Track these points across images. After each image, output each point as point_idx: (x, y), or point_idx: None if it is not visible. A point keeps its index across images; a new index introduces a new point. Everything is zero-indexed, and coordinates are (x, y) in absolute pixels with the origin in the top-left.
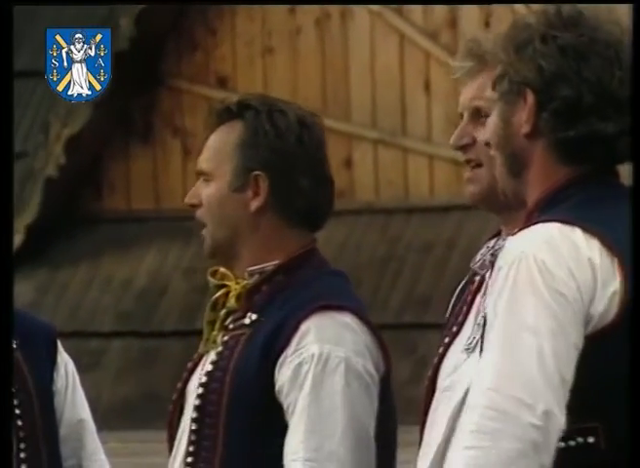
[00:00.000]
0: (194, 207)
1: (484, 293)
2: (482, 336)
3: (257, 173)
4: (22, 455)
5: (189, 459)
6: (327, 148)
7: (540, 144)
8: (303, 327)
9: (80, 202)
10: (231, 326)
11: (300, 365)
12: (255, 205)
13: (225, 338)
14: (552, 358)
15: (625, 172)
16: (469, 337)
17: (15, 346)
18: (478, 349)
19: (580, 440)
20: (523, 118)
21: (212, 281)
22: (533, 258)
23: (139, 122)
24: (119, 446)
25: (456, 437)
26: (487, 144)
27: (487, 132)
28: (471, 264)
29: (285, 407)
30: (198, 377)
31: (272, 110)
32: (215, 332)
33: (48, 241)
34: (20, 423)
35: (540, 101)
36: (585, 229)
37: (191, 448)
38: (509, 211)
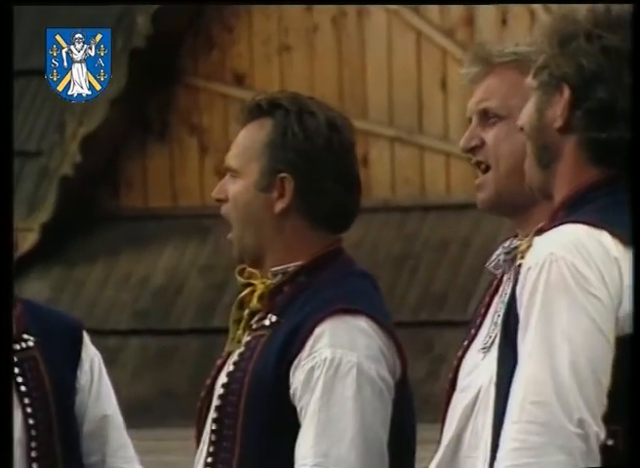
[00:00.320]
0: (220, 201)
1: (500, 294)
2: (506, 333)
3: (283, 174)
4: (34, 454)
5: (209, 459)
6: (356, 150)
7: (572, 141)
8: (318, 330)
9: (97, 200)
10: (254, 326)
11: (312, 369)
12: (279, 206)
13: (248, 338)
14: (587, 364)
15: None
16: (486, 337)
17: (32, 344)
18: (494, 348)
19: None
20: (557, 112)
21: (239, 279)
22: (563, 261)
23: (155, 120)
24: (135, 443)
25: (499, 457)
26: (521, 129)
27: (522, 118)
28: (487, 265)
29: (298, 410)
30: (225, 374)
31: (302, 111)
32: (239, 332)
33: (64, 239)
34: (31, 422)
35: (575, 99)
36: (613, 233)
37: (211, 449)
38: (521, 213)
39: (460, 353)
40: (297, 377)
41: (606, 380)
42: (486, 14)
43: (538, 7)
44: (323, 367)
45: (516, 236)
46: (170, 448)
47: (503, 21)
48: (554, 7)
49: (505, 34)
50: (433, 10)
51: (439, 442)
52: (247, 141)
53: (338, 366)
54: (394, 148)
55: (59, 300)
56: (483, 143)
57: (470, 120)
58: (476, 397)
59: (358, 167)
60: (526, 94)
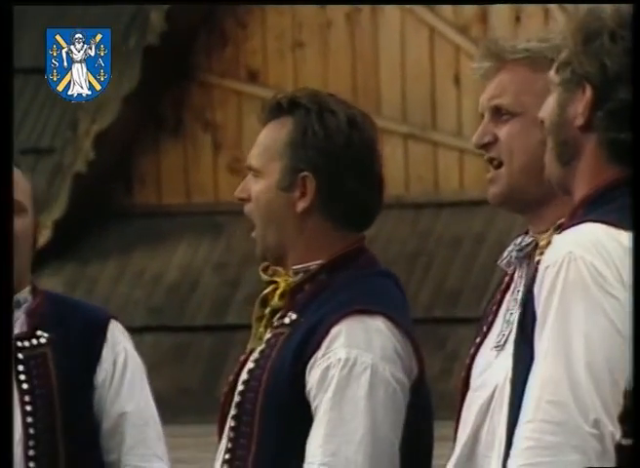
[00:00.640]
0: (243, 201)
1: (512, 291)
2: (522, 331)
3: (304, 174)
4: (31, 453)
5: (227, 456)
6: (378, 147)
7: (593, 139)
8: (334, 330)
9: (110, 197)
10: (275, 323)
11: (327, 368)
12: (301, 206)
13: (268, 336)
14: (604, 364)
15: None
16: (499, 334)
17: (44, 341)
18: (508, 346)
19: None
20: (579, 110)
21: (263, 276)
22: (582, 261)
23: (169, 117)
24: None
25: (512, 456)
26: (542, 122)
27: (543, 111)
28: (498, 262)
29: (313, 408)
30: (246, 371)
31: (322, 109)
32: (261, 329)
33: (77, 236)
34: (30, 420)
35: (597, 98)
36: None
37: (229, 446)
38: (533, 210)
39: (472, 351)
40: (312, 376)
41: (623, 380)
42: (500, 11)
43: (552, 5)
44: (337, 366)
45: (527, 233)
46: (183, 445)
47: (517, 19)
48: (570, 6)
49: (519, 31)
50: (447, 6)
51: (454, 439)
52: (268, 141)
53: (352, 366)
54: (408, 145)
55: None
56: (496, 140)
57: (482, 116)
58: (491, 395)
59: (380, 164)
60: (538, 91)
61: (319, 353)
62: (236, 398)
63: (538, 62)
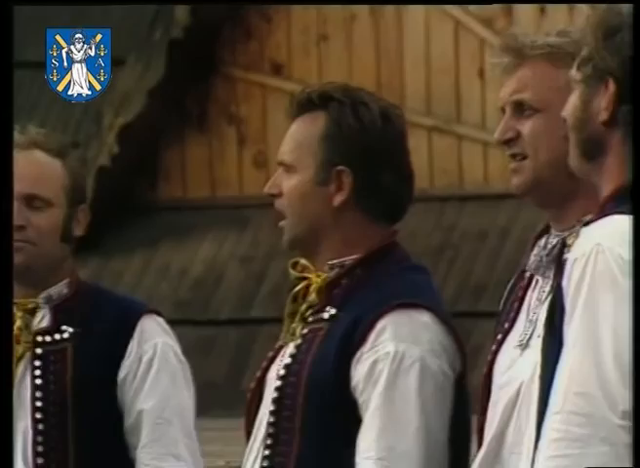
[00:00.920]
0: (274, 197)
1: (536, 290)
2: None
3: (340, 168)
4: (40, 449)
5: (267, 452)
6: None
7: (618, 134)
8: (380, 324)
9: (135, 191)
10: (310, 319)
11: (375, 362)
12: (338, 200)
13: (304, 331)
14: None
15: None
16: (522, 334)
17: (67, 336)
18: (531, 344)
19: None
20: (602, 105)
21: (292, 273)
22: (609, 252)
23: (193, 110)
24: None
25: (540, 447)
26: (564, 121)
27: (566, 110)
28: (527, 267)
29: (360, 403)
30: (277, 369)
31: (356, 103)
32: (294, 325)
33: (101, 230)
34: (39, 416)
35: (620, 92)
36: None
37: (269, 441)
38: (557, 205)
39: (494, 347)
40: (358, 371)
41: None
42: (525, 4)
43: None
44: (386, 360)
45: (548, 232)
46: (209, 438)
47: (542, 11)
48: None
49: (544, 24)
50: None
51: (478, 432)
52: (300, 136)
53: (401, 360)
54: (432, 138)
55: None
56: (518, 135)
57: (503, 110)
58: (517, 393)
59: (410, 157)
60: (561, 86)
61: (365, 347)
62: (274, 394)
63: (558, 58)
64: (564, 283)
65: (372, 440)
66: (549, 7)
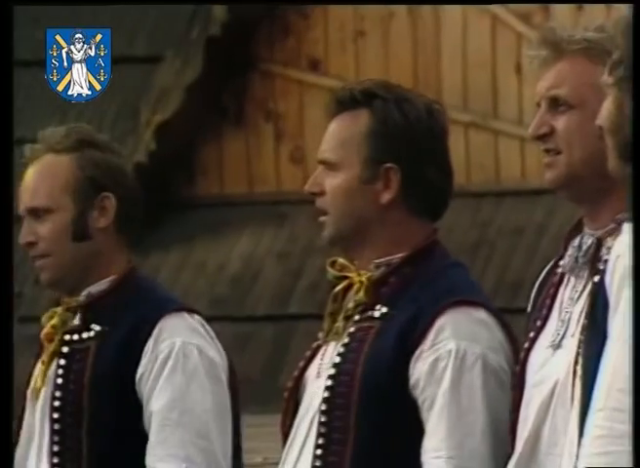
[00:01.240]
0: (315, 195)
1: (568, 288)
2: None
3: (388, 165)
4: (56, 448)
5: (319, 451)
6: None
7: None
8: (439, 322)
9: (172, 187)
10: (357, 317)
11: (436, 360)
12: (385, 198)
13: (352, 330)
14: None
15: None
16: (554, 334)
17: (93, 334)
18: (564, 343)
19: None
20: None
21: (331, 272)
22: None
23: (231, 107)
24: None
25: (583, 444)
26: (600, 128)
27: (601, 117)
28: (562, 269)
29: (420, 402)
30: (317, 367)
31: (400, 99)
32: (338, 324)
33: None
34: (56, 416)
35: None
36: None
37: (321, 441)
38: (591, 201)
39: (527, 345)
40: (418, 369)
41: None
42: None
43: None
44: (448, 359)
45: (580, 230)
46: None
47: (579, 6)
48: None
49: (581, 20)
50: None
51: (510, 431)
52: (344, 134)
53: (463, 357)
54: (469, 133)
55: None
56: (553, 131)
57: (538, 105)
58: (552, 392)
59: (450, 152)
60: (597, 84)
61: (424, 345)
62: (324, 393)
63: (595, 53)
64: (607, 279)
65: (440, 439)
66: (587, 3)
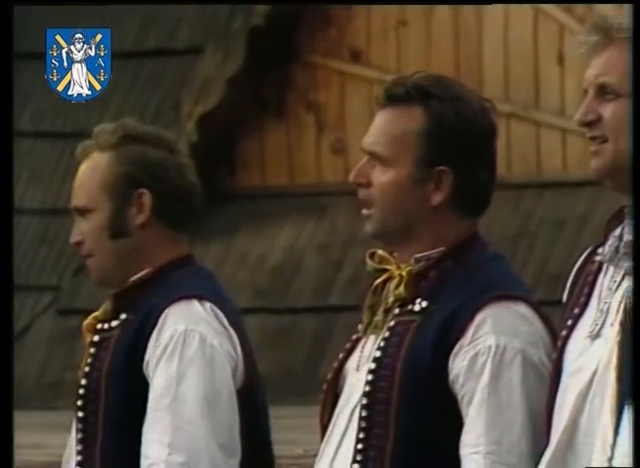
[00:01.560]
0: (359, 186)
1: (607, 277)
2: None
3: (441, 168)
4: (79, 436)
5: (360, 446)
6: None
7: None
8: (479, 317)
9: (214, 179)
10: (396, 311)
11: (475, 356)
12: (436, 199)
13: (392, 324)
14: None
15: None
16: (592, 323)
17: (117, 323)
18: (603, 333)
19: None
20: None
21: (370, 264)
22: None
23: (272, 98)
24: None
25: (618, 443)
26: None
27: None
28: (601, 258)
29: (459, 397)
30: (357, 360)
31: (455, 98)
32: (377, 317)
33: None
34: (79, 403)
35: None
36: None
37: (361, 435)
38: None
39: (564, 333)
40: (457, 364)
41: None
42: None
43: None
44: (488, 354)
45: (621, 218)
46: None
47: None
48: None
49: (624, 11)
50: None
51: (547, 420)
52: (397, 130)
53: (503, 353)
54: (510, 124)
55: None
56: (599, 118)
57: (586, 91)
58: (590, 381)
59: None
60: None
61: (464, 340)
62: (365, 388)
63: None
64: None
65: (479, 434)
66: None
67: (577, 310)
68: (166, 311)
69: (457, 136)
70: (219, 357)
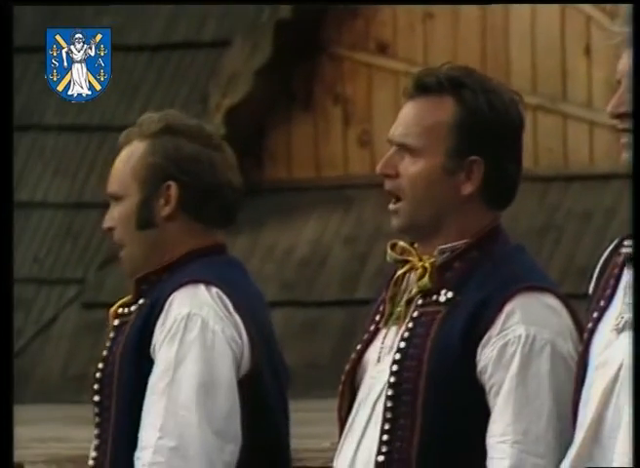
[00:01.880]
0: (387, 177)
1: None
2: None
3: (473, 158)
4: (97, 420)
5: (385, 437)
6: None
7: None
8: (508, 307)
9: (241, 171)
10: (420, 302)
11: (505, 346)
12: (467, 190)
13: (415, 314)
14: None
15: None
16: (618, 317)
17: (133, 308)
18: (628, 327)
19: None
20: None
21: (392, 255)
22: None
23: (299, 90)
24: None
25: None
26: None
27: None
28: (627, 251)
29: (487, 387)
30: (378, 351)
31: (486, 90)
32: (399, 308)
33: None
34: (96, 387)
35: None
36: None
37: (387, 426)
38: None
39: (590, 325)
40: (485, 354)
41: None
42: None
43: None
44: (517, 344)
45: None
46: (314, 420)
47: None
48: None
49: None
50: None
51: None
52: (428, 121)
53: (532, 343)
54: (537, 117)
55: None
56: None
57: (619, 82)
58: (616, 375)
59: None
60: None
61: (493, 330)
62: (390, 378)
63: None
64: None
65: (507, 423)
66: None
67: (602, 303)
68: (172, 295)
69: (488, 126)
70: (220, 343)
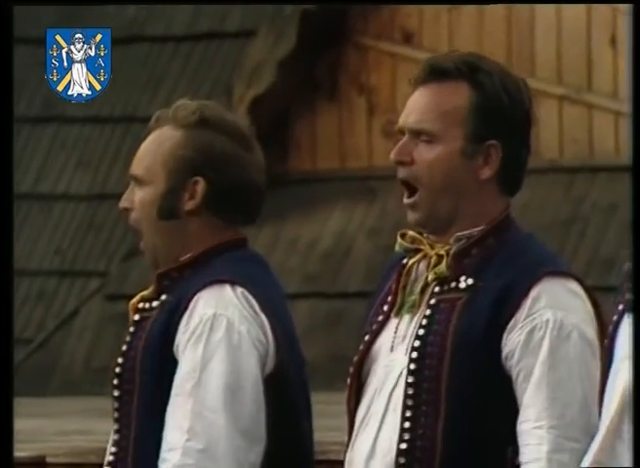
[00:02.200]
0: (402, 164)
1: None
2: None
3: (491, 142)
4: (116, 415)
5: (407, 424)
6: None
7: None
8: (534, 292)
9: (266, 163)
10: (437, 289)
11: (532, 330)
12: (486, 174)
13: (433, 302)
14: None
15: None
16: None
17: (156, 304)
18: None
19: None
20: None
21: (403, 244)
22: None
23: (324, 80)
24: None
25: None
26: None
27: None
28: None
29: (514, 372)
30: (391, 340)
31: (502, 75)
32: (414, 297)
33: None
34: (115, 382)
35: None
36: None
37: (408, 414)
38: None
39: (615, 318)
40: (512, 339)
41: None
42: None
43: None
44: (546, 328)
45: None
46: (336, 412)
47: None
48: None
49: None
50: None
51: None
52: (445, 106)
53: (560, 327)
54: (562, 107)
55: None
56: None
57: None
58: None
59: None
60: None
61: (520, 315)
62: (410, 365)
63: None
64: None
65: (542, 408)
66: None
67: (627, 295)
68: (198, 295)
69: (504, 110)
70: (245, 344)
